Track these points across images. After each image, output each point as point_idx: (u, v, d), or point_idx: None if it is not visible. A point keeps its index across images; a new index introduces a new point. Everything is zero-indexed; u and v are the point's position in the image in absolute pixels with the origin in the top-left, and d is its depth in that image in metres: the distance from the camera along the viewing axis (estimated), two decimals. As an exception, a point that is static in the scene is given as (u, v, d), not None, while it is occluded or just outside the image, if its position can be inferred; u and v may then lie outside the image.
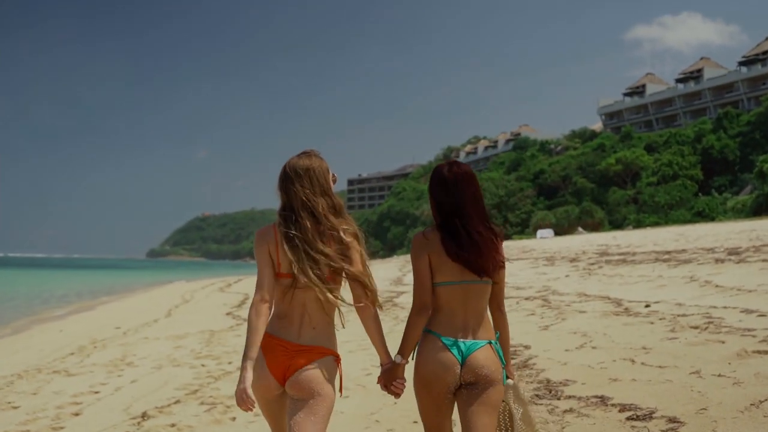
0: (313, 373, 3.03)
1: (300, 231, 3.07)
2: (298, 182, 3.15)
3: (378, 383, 3.20)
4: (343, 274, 3.09)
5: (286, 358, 3.04)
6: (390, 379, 3.13)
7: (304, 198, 3.11)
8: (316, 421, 2.98)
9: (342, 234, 3.09)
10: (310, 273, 3.01)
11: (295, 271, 3.03)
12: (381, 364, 3.20)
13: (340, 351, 3.24)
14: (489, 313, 3.19)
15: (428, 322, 3.10)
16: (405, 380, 3.13)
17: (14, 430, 6.22)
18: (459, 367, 3.00)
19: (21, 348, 13.17)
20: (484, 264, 3.05)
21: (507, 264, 3.28)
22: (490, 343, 3.09)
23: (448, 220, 3.09)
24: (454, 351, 3.01)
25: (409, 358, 3.14)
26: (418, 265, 3.10)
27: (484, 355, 3.03)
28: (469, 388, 3.02)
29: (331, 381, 3.08)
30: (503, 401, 3.19)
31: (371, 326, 3.16)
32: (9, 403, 7.54)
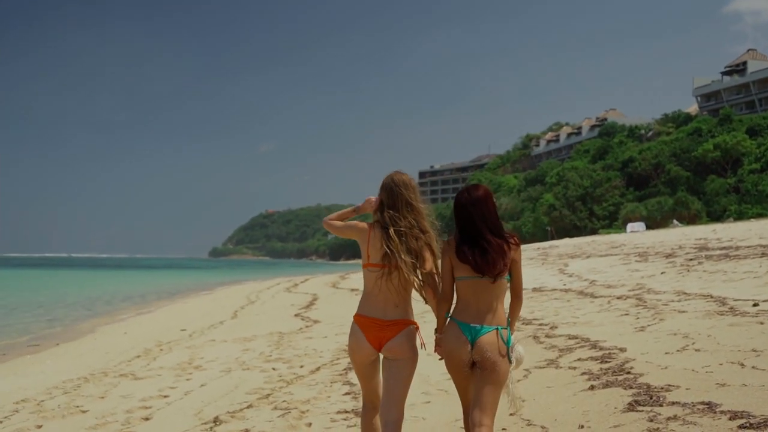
0: (401, 341, 4.18)
1: (405, 226, 4.21)
2: (408, 191, 4.32)
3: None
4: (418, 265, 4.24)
5: (379, 331, 4.17)
6: (436, 344, 4.24)
7: (407, 201, 4.29)
8: (402, 379, 4.20)
9: (423, 234, 4.27)
10: (406, 264, 4.14)
11: (398, 258, 4.14)
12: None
13: (419, 353, 4.31)
14: (501, 303, 4.08)
15: (453, 310, 4.14)
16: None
17: (85, 435, 6.45)
18: (470, 345, 3.98)
19: (86, 351, 13.64)
20: (487, 266, 3.99)
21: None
22: (497, 329, 4.01)
23: (461, 232, 4.14)
24: (466, 332, 3.99)
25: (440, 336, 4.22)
26: (442, 263, 4.19)
27: (488, 339, 3.97)
28: (479, 368, 3.99)
29: (413, 345, 4.23)
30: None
31: (433, 304, 4.27)
32: (77, 407, 7.83)
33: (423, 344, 4.26)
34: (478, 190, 4.21)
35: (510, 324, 4.14)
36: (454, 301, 4.17)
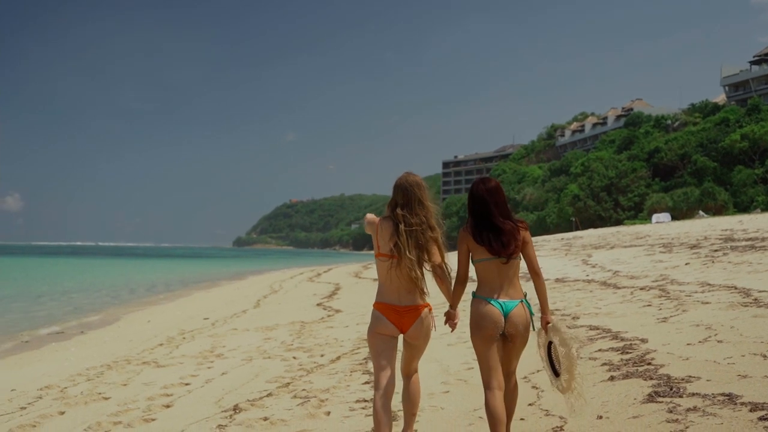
0: (418, 328, 4.70)
1: (416, 224, 4.64)
2: (420, 191, 4.73)
3: (445, 323, 4.84)
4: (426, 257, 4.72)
5: (398, 316, 4.66)
6: (449, 318, 4.80)
7: (419, 200, 4.71)
8: (418, 354, 4.85)
9: (431, 231, 4.72)
10: (410, 260, 4.59)
11: (404, 253, 4.58)
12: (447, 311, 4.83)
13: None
14: (518, 279, 4.63)
15: (477, 290, 4.62)
16: (457, 321, 4.81)
17: (106, 421, 6.53)
18: (503, 318, 4.50)
19: (110, 339, 13.79)
20: (502, 247, 4.52)
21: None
22: (521, 301, 4.57)
23: (476, 220, 4.64)
24: (496, 305, 4.50)
25: (458, 311, 4.82)
26: (460, 249, 4.69)
27: (518, 312, 4.53)
28: (509, 338, 4.56)
29: (428, 328, 4.75)
30: (550, 341, 4.74)
31: (443, 289, 4.77)
32: (99, 393, 7.92)
33: (434, 325, 4.80)
34: (491, 182, 4.74)
35: (542, 299, 4.69)
36: (477, 282, 4.65)
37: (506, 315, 4.50)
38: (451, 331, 5.04)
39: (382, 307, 4.70)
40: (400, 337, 4.78)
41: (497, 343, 4.53)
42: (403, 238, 4.59)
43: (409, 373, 4.93)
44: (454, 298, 4.76)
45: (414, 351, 4.82)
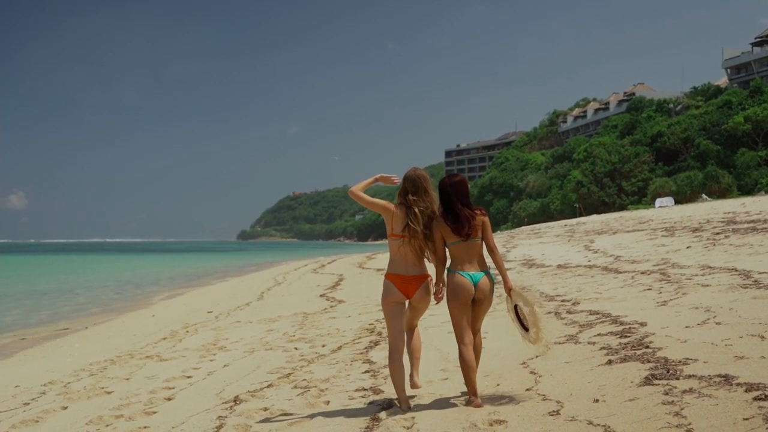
0: (422, 293, 5.76)
1: (423, 207, 5.72)
2: (426, 183, 5.80)
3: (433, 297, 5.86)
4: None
5: (405, 284, 5.72)
6: (435, 293, 5.81)
7: (425, 189, 5.79)
8: (420, 314, 5.96)
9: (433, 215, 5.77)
10: (424, 234, 5.70)
11: (414, 232, 5.69)
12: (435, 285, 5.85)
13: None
14: (482, 255, 5.68)
15: (450, 265, 5.65)
16: (441, 295, 5.80)
17: (108, 415, 6.56)
18: (473, 287, 5.55)
19: (114, 333, 13.85)
20: (465, 230, 5.57)
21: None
22: (486, 273, 5.64)
23: (446, 209, 5.66)
24: (467, 277, 5.56)
25: (441, 286, 5.79)
26: (435, 236, 5.69)
27: (484, 282, 5.60)
28: (477, 302, 5.63)
29: (429, 293, 5.81)
30: (516, 304, 5.71)
31: (435, 264, 5.78)
32: (102, 388, 7.96)
33: (437, 298, 5.83)
34: (456, 177, 5.88)
35: (501, 271, 5.74)
36: (451, 259, 5.68)
37: (475, 284, 5.56)
38: (436, 303, 5.90)
39: (392, 277, 5.76)
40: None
41: (468, 306, 5.59)
42: (417, 218, 5.68)
43: (411, 329, 6.07)
44: (437, 275, 5.80)
45: (416, 312, 5.91)
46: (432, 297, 5.86)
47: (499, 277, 5.89)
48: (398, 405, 5.69)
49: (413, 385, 5.97)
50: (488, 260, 5.86)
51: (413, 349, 6.05)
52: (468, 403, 5.51)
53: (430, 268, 5.83)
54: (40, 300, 23.61)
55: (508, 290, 5.73)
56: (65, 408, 7.11)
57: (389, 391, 6.30)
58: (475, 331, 5.76)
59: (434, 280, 5.84)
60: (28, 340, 14.10)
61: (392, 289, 5.74)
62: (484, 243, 5.73)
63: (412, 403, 5.78)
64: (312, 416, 5.77)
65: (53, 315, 18.87)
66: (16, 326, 16.32)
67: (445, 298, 5.77)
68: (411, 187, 5.79)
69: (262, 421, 5.79)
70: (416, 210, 5.70)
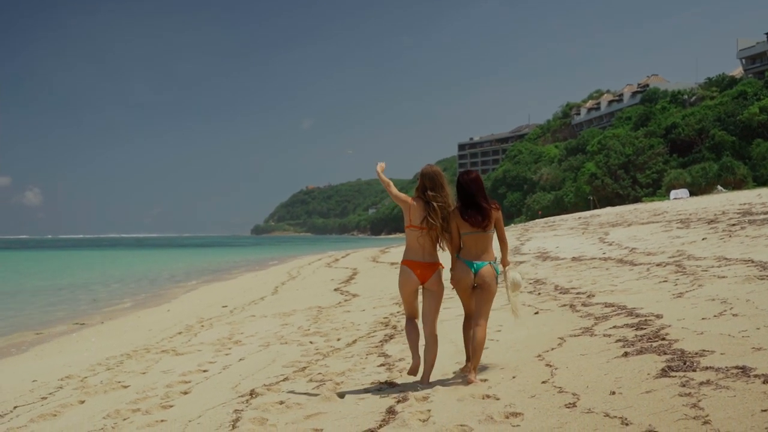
0: (436, 279, 6.29)
1: (441, 202, 6.23)
2: (441, 179, 6.32)
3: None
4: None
5: (421, 270, 6.24)
6: (452, 277, 6.31)
7: (441, 185, 6.32)
8: (435, 302, 6.34)
9: (449, 208, 6.31)
10: (442, 226, 6.24)
11: (432, 225, 6.20)
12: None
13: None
14: (491, 247, 6.24)
15: (460, 253, 6.22)
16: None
17: (125, 409, 6.60)
18: (473, 274, 6.15)
19: (130, 328, 13.93)
20: (480, 222, 6.14)
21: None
22: (490, 263, 6.19)
23: (463, 203, 6.21)
24: (470, 266, 6.16)
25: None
26: (450, 226, 6.23)
27: (486, 270, 6.16)
28: (479, 288, 6.18)
29: (441, 280, 6.34)
30: (503, 281, 6.52)
31: (450, 251, 6.35)
32: (119, 382, 8.02)
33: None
34: (472, 173, 6.42)
35: (502, 258, 6.52)
36: (462, 248, 6.24)
37: (476, 272, 6.14)
38: (452, 289, 6.53)
39: (409, 263, 6.30)
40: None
41: (471, 291, 6.24)
42: (436, 212, 6.19)
43: (432, 319, 6.42)
44: (452, 260, 6.34)
45: (431, 296, 6.33)
46: (442, 285, 6.37)
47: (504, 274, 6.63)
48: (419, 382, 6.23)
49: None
50: (498, 253, 6.46)
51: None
52: (463, 372, 6.37)
53: (442, 258, 6.39)
54: (56, 295, 23.76)
55: (504, 266, 6.57)
56: (82, 402, 7.16)
57: (405, 384, 6.31)
58: (479, 316, 6.20)
59: (446, 269, 6.36)
60: (44, 335, 14.20)
61: (409, 273, 6.29)
62: (495, 235, 6.30)
63: (428, 394, 5.77)
64: (328, 409, 5.78)
65: (69, 310, 18.99)
66: (32, 322, 16.43)
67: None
68: (429, 183, 6.30)
69: (278, 415, 5.80)
70: (435, 205, 6.21)
